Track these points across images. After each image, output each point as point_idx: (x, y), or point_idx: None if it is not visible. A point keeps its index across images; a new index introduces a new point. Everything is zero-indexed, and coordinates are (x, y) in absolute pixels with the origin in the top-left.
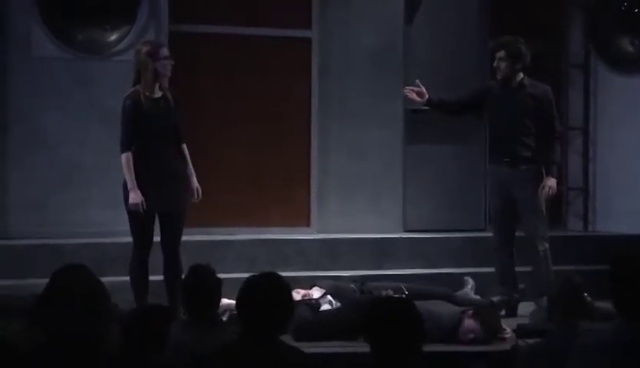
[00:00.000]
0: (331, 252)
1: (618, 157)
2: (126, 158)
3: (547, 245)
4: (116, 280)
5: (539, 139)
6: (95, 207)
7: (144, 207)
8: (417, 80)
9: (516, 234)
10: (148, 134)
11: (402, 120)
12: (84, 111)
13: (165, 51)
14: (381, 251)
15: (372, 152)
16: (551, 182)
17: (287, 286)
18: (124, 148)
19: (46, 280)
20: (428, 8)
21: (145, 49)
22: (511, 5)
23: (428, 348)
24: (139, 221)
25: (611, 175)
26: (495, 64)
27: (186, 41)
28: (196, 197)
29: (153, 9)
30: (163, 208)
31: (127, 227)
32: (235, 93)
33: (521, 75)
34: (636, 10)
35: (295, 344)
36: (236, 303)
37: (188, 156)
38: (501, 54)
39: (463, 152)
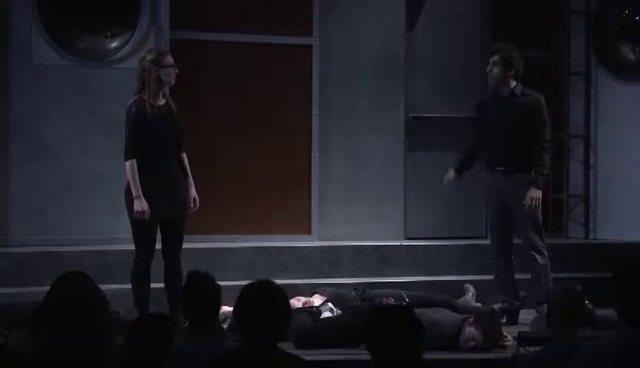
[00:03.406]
0: (332, 259)
1: (620, 164)
2: (130, 165)
3: (545, 253)
4: (117, 287)
5: (530, 148)
6: (96, 214)
7: (149, 215)
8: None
9: (514, 242)
10: (151, 142)
11: (403, 127)
12: (85, 118)
13: (169, 59)
14: (381, 258)
15: (373, 159)
16: (534, 194)
17: (283, 293)
18: (129, 155)
19: (47, 288)
20: (430, 14)
21: (149, 56)
22: (512, 12)
23: (429, 355)
24: (142, 229)
25: (612, 183)
26: (487, 69)
27: (186, 49)
28: (192, 206)
29: (153, 16)
30: (165, 215)
31: (128, 234)
32: (235, 101)
33: (513, 83)
34: (637, 17)
35: (296, 351)
36: (233, 311)
37: (187, 166)
38: (495, 58)
39: None
